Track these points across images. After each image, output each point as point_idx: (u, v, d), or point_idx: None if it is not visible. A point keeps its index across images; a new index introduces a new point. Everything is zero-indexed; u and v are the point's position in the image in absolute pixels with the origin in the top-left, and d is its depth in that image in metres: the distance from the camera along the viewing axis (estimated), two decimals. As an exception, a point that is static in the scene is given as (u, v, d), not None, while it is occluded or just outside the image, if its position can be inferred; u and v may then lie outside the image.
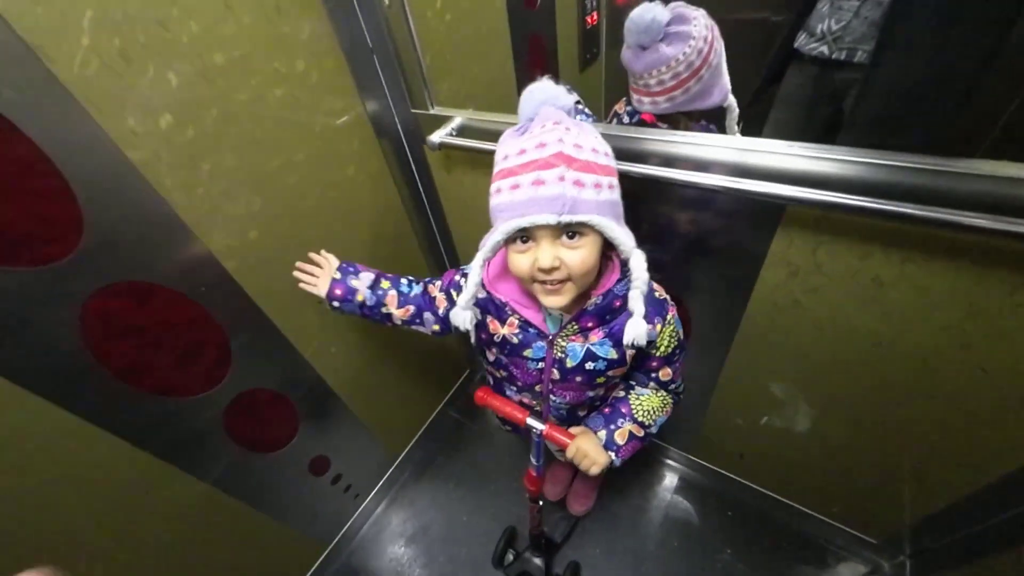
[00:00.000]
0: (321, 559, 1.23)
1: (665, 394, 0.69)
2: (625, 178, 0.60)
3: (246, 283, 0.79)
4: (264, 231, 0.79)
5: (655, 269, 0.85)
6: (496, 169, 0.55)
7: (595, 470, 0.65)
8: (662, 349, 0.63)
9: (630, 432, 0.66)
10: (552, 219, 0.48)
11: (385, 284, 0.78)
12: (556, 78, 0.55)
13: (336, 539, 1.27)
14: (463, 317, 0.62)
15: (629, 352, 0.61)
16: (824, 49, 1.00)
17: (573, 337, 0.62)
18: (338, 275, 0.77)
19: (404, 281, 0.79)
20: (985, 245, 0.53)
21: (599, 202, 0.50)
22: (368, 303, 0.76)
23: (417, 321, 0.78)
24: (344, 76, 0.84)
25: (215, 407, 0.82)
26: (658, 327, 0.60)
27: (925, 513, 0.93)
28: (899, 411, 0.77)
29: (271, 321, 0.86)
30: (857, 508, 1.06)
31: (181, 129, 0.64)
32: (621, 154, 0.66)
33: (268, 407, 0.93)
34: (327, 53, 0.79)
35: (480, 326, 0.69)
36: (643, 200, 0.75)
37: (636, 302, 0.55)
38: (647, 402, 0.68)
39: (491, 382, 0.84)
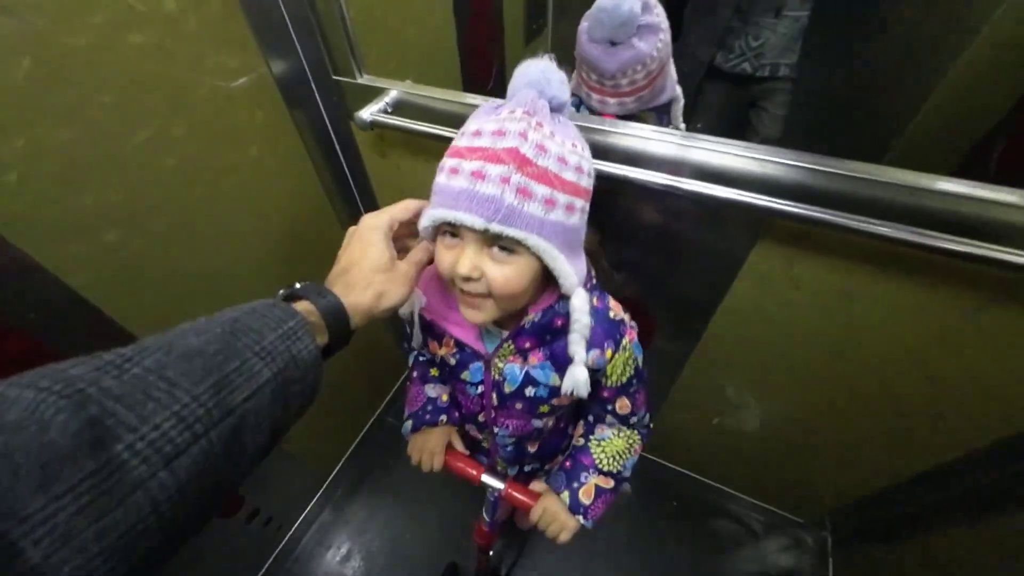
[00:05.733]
0: (238, 604, 1.06)
1: (629, 431, 0.60)
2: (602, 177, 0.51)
3: (105, 303, 0.59)
4: (129, 231, 0.59)
5: (618, 268, 0.79)
6: (451, 143, 0.45)
7: (564, 536, 0.58)
8: (613, 379, 0.54)
9: (596, 487, 0.58)
10: (479, 223, 0.39)
11: (429, 388, 0.68)
12: (558, 61, 0.43)
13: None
14: (408, 302, 0.51)
15: None
16: (746, 66, 1.00)
17: (511, 358, 0.53)
18: (439, 430, 0.66)
19: (420, 366, 0.69)
20: (955, 267, 0.52)
21: (545, 221, 0.40)
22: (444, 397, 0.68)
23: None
24: (237, 25, 0.64)
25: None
26: (608, 353, 0.51)
27: (848, 499, 1.00)
28: (840, 411, 0.79)
29: (149, 347, 0.66)
30: (787, 493, 1.13)
31: (-33, 84, 0.42)
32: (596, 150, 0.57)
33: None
34: (211, -9, 0.59)
35: (423, 345, 0.60)
36: (616, 197, 0.67)
37: (576, 346, 0.47)
38: (610, 446, 0.59)
39: None
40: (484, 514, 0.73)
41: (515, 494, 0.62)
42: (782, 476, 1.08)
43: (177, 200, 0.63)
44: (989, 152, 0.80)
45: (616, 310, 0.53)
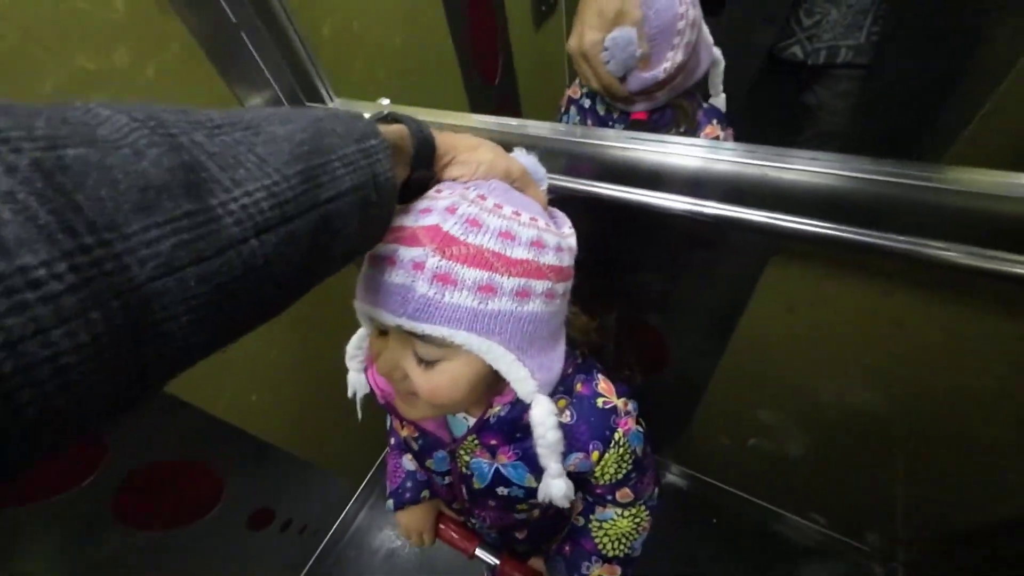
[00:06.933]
0: (282, 605, 1.14)
1: (636, 509, 0.52)
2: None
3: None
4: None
5: (620, 294, 0.71)
6: None
7: None
8: (605, 479, 0.45)
9: None
10: (388, 318, 0.33)
11: (407, 460, 0.63)
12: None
13: (297, 581, 1.17)
14: (351, 380, 0.47)
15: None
16: (797, 50, 0.76)
17: (478, 452, 0.46)
18: (425, 505, 0.62)
19: (396, 434, 0.65)
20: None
21: (481, 313, 0.32)
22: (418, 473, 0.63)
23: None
24: (200, 65, 0.62)
25: (95, 498, 0.67)
26: (595, 455, 0.42)
27: (930, 534, 0.85)
28: (910, 445, 0.66)
29: (155, 386, 0.69)
30: (848, 518, 0.99)
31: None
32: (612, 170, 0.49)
33: (175, 478, 0.79)
34: (167, 36, 0.58)
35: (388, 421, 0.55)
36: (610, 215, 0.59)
37: (547, 460, 0.39)
38: (613, 528, 0.51)
39: None
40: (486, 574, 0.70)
41: (512, 573, 0.57)
42: (839, 500, 0.94)
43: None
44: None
45: (607, 394, 0.44)
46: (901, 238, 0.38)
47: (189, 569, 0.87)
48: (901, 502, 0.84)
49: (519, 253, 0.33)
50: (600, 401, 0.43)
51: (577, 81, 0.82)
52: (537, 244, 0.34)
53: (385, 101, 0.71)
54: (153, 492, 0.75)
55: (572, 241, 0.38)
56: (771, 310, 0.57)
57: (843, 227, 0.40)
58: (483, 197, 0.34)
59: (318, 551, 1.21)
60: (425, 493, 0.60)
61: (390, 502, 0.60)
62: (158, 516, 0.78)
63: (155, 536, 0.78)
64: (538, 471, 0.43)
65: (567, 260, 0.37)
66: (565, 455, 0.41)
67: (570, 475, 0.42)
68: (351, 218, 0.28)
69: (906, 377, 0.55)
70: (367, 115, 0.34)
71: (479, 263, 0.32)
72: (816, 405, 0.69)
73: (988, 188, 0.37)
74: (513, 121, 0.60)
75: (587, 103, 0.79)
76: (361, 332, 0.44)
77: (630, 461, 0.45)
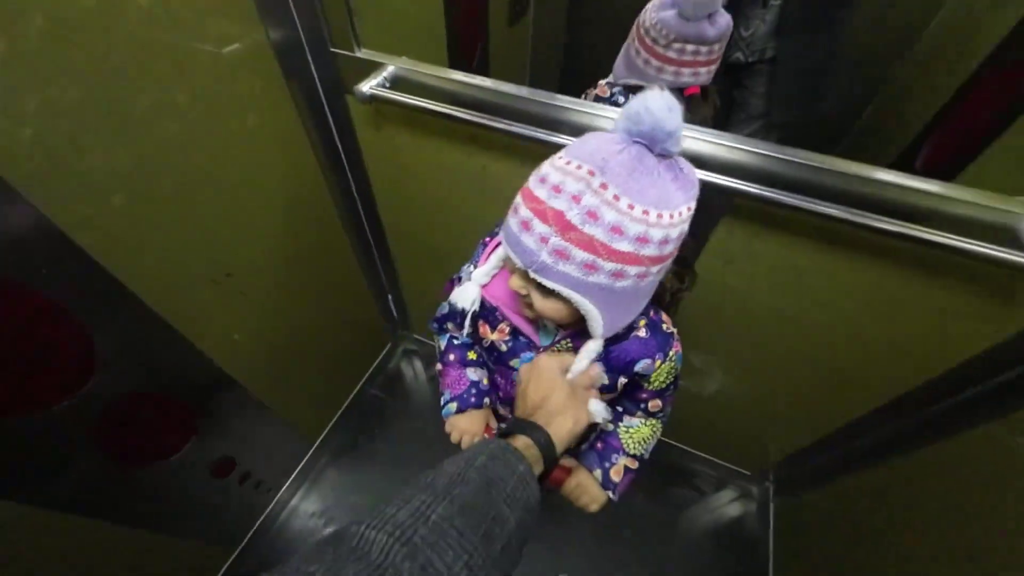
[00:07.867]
0: (229, 562, 1.10)
1: (654, 421, 0.67)
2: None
3: (113, 263, 0.60)
4: (134, 196, 0.60)
5: None
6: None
7: (594, 507, 0.63)
8: (655, 384, 0.60)
9: (625, 467, 0.64)
10: (520, 265, 0.44)
11: (471, 372, 0.69)
12: (538, 46, 0.45)
13: (246, 538, 1.14)
14: (469, 293, 0.57)
15: (620, 381, 0.58)
16: (739, 55, 1.07)
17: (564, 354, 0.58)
18: (481, 412, 0.68)
19: (457, 350, 0.70)
20: (886, 244, 0.62)
21: (583, 282, 0.42)
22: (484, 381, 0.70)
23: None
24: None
25: (78, 421, 0.64)
26: (657, 363, 0.56)
27: (789, 451, 1.14)
28: (788, 373, 0.91)
29: (153, 310, 0.68)
30: (737, 449, 1.27)
31: (-16, 42, 0.43)
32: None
33: (153, 412, 0.76)
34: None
35: (471, 331, 0.63)
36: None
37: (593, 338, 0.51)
38: (637, 433, 0.65)
39: None
40: None
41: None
42: (733, 434, 1.21)
43: (180, 167, 0.65)
44: (919, 147, 0.91)
45: (668, 323, 0.58)
46: (802, 198, 0.58)
47: (148, 510, 0.83)
48: (771, 430, 1.12)
49: (623, 246, 0.40)
50: (664, 326, 0.58)
51: (606, 82, 0.96)
52: (641, 240, 0.40)
53: (404, 58, 0.78)
54: (132, 424, 0.72)
55: (683, 227, 0.43)
56: (714, 265, 0.76)
57: (769, 189, 0.60)
58: (604, 186, 0.39)
59: (270, 507, 1.19)
60: (485, 400, 0.68)
61: (452, 405, 0.67)
62: (132, 448, 0.74)
63: (121, 469, 0.75)
64: (613, 372, 0.56)
65: (669, 248, 0.43)
66: (637, 360, 0.55)
67: (632, 378, 0.57)
68: (514, 551, 0.38)
69: (796, 315, 0.78)
70: (514, 444, 0.44)
71: (588, 248, 0.40)
72: (734, 346, 0.91)
73: (860, 172, 0.58)
74: (488, 82, 0.71)
75: (621, 100, 0.93)
76: (493, 261, 0.56)
77: (673, 376, 0.60)
